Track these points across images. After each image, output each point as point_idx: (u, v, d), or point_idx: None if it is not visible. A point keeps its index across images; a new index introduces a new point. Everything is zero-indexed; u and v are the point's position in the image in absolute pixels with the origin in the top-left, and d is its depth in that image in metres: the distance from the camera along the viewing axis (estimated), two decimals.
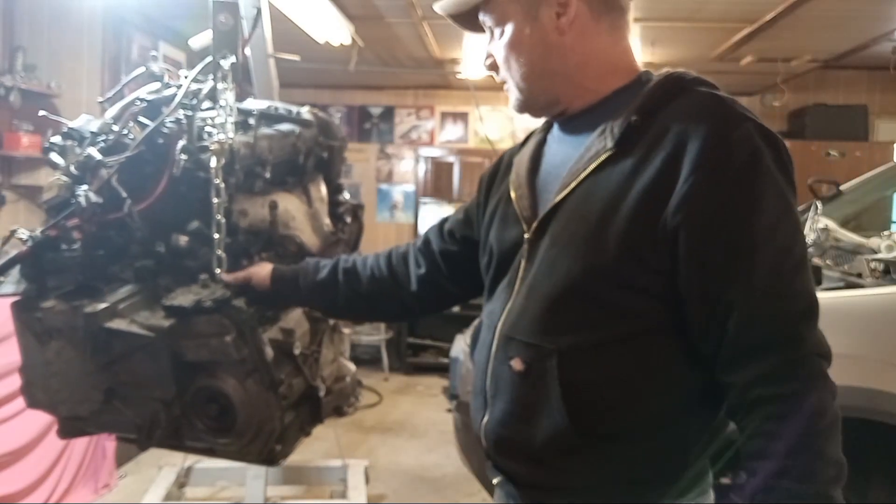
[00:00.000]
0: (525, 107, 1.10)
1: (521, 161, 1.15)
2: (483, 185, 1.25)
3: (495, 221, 1.16)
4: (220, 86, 1.08)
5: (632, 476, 1.00)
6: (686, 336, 0.96)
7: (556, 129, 1.13)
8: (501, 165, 1.22)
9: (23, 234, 1.00)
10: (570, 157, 1.04)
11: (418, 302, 1.28)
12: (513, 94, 1.10)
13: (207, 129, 1.06)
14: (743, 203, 0.91)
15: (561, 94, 1.07)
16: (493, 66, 1.11)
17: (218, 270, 1.10)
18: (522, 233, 1.07)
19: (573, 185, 1.00)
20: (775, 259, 0.91)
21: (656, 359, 0.98)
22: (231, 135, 1.05)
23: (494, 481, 1.13)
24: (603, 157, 0.98)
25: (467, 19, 1.13)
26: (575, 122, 1.08)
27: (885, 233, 2.64)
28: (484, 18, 1.09)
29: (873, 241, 2.59)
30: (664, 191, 0.92)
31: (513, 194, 1.12)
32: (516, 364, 1.02)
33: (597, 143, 1.00)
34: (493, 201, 1.18)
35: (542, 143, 1.15)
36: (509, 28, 1.05)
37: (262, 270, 1.23)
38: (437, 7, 1.15)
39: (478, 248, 1.21)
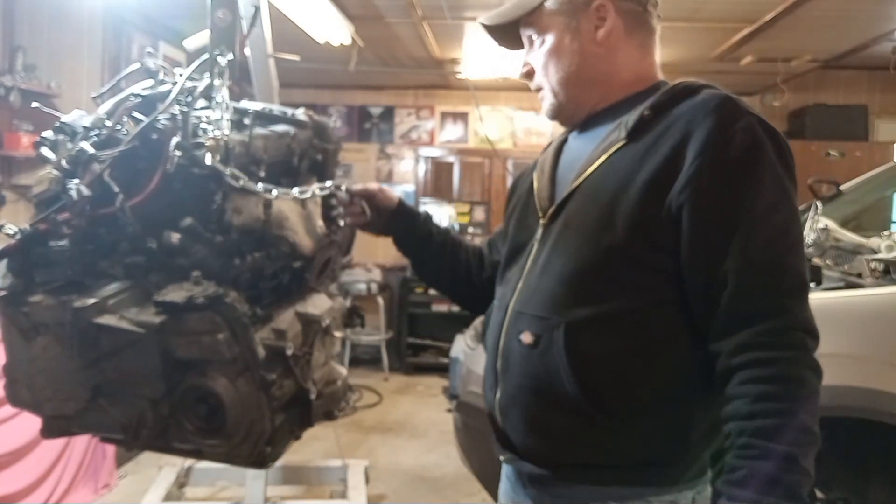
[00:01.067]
0: (557, 111, 1.20)
1: (546, 158, 1.25)
2: (511, 189, 1.36)
3: (516, 213, 1.26)
4: (216, 82, 1.07)
5: (642, 455, 1.05)
6: (689, 313, 1.03)
7: (578, 129, 1.23)
8: (529, 168, 1.31)
9: (10, 228, 0.99)
10: (587, 149, 1.14)
11: (482, 299, 1.35)
12: (547, 100, 1.20)
13: (202, 125, 1.06)
14: (743, 185, 0.99)
15: (588, 100, 1.17)
16: (530, 74, 1.21)
17: (343, 187, 1.28)
18: (538, 220, 1.16)
19: (588, 172, 1.10)
20: (770, 237, 0.98)
21: (662, 334, 1.03)
22: (227, 132, 1.05)
23: (501, 458, 1.18)
24: (616, 147, 1.08)
25: (504, 34, 1.25)
26: (594, 120, 1.18)
27: (885, 233, 2.63)
28: (525, 29, 1.20)
29: (873, 241, 2.59)
30: (671, 174, 1.00)
31: (535, 185, 1.21)
32: (525, 337, 1.08)
33: (612, 135, 1.10)
34: (516, 198, 1.29)
35: (564, 142, 1.26)
36: (550, 37, 1.16)
37: (390, 191, 1.42)
38: (481, 19, 1.25)
39: None
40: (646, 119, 1.07)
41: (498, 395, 1.14)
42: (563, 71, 1.16)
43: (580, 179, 1.11)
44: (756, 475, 0.92)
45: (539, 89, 1.21)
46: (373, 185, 1.39)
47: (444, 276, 1.44)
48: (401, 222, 1.41)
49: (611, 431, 1.04)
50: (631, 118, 1.08)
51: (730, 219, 0.98)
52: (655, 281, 1.03)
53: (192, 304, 0.95)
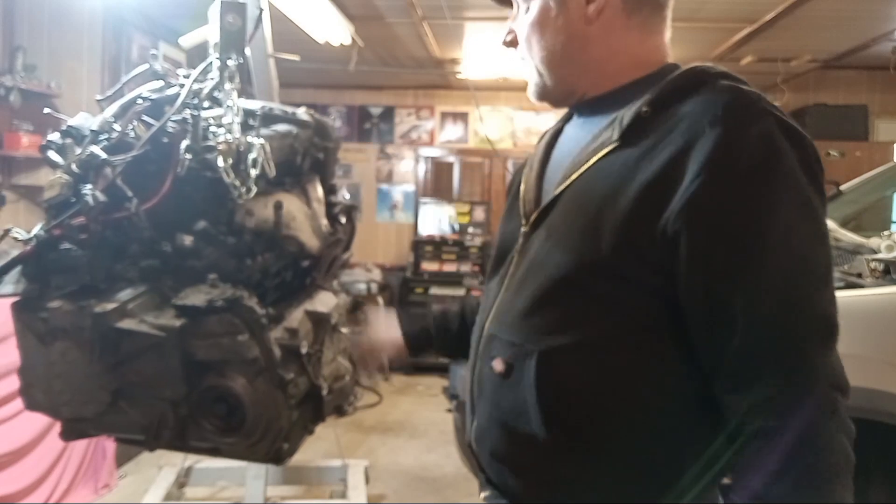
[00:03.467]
0: (542, 94, 1.04)
1: (537, 153, 1.10)
2: (509, 186, 1.21)
3: (504, 214, 1.12)
4: (227, 86, 1.08)
5: (621, 496, 0.90)
6: (684, 340, 0.86)
7: (574, 115, 1.08)
8: (523, 165, 1.16)
9: (18, 233, 1.00)
10: (580, 145, 0.98)
11: None
12: (532, 78, 1.04)
13: (212, 128, 1.06)
14: (755, 206, 0.81)
15: (577, 85, 1.01)
16: (513, 43, 1.05)
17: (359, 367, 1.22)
18: (521, 226, 1.02)
19: (574, 176, 0.94)
20: (788, 268, 0.80)
21: (648, 362, 0.87)
22: (238, 135, 1.05)
23: (482, 496, 1.04)
24: (607, 149, 0.91)
25: None
26: (590, 107, 1.02)
27: (885, 233, 2.64)
28: None
29: (873, 241, 2.60)
30: (669, 188, 0.83)
31: (522, 187, 1.06)
32: (497, 364, 0.95)
33: (604, 134, 0.94)
34: (510, 197, 1.14)
35: (558, 132, 1.10)
36: (536, 5, 0.99)
37: (385, 329, 1.31)
38: None
39: None
40: (643, 117, 0.89)
41: (475, 423, 1.02)
42: (545, 49, 0.99)
43: (565, 184, 0.95)
44: None
45: (523, 60, 1.05)
46: (370, 343, 1.30)
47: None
48: (417, 346, 1.33)
49: (587, 472, 0.91)
50: (627, 114, 0.91)
51: (739, 246, 0.81)
52: (645, 302, 0.86)
53: (213, 306, 0.97)
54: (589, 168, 0.92)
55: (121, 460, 3.71)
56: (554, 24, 0.98)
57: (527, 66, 1.04)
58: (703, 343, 0.85)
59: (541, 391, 0.89)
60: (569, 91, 1.02)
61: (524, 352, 0.91)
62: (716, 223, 0.81)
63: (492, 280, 1.07)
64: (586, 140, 0.97)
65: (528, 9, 1.01)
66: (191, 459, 3.38)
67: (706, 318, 0.83)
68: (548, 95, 1.04)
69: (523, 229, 1.00)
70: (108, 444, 3.42)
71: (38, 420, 2.75)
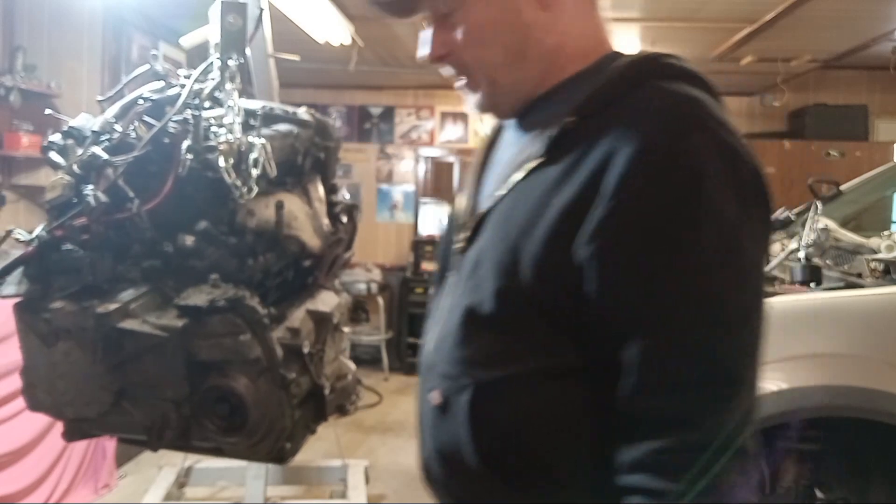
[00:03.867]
0: (492, 104, 0.90)
1: (475, 159, 0.99)
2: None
3: (446, 226, 1.03)
4: (227, 86, 1.08)
5: None
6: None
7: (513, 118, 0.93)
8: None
9: (20, 234, 1.00)
10: (510, 156, 0.88)
11: None
12: (479, 90, 0.88)
13: (213, 128, 1.07)
14: (666, 238, 0.70)
15: (530, 84, 0.86)
16: (444, 59, 0.89)
17: None
18: (455, 243, 0.92)
19: (501, 193, 0.83)
20: (694, 312, 0.70)
21: (580, 397, 0.77)
22: (239, 135, 1.06)
23: None
24: (532, 165, 0.80)
25: (402, 4, 0.92)
26: (529, 108, 0.88)
27: (885, 233, 2.64)
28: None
29: (873, 241, 2.60)
30: (583, 211, 0.72)
31: (457, 202, 0.97)
32: (434, 397, 0.86)
33: (530, 146, 0.83)
34: (452, 206, 1.03)
35: (498, 132, 0.98)
36: (474, 6, 0.83)
37: None
38: None
39: None
40: (569, 129, 0.77)
41: (422, 452, 0.93)
42: (498, 54, 0.84)
43: (491, 203, 0.84)
44: None
45: (460, 77, 0.89)
46: None
47: None
48: None
49: None
50: (554, 124, 0.79)
51: (640, 284, 0.70)
52: (573, 336, 0.76)
53: (215, 306, 0.97)
54: (516, 186, 0.82)
55: (121, 460, 3.71)
56: (504, 21, 0.83)
57: (466, 81, 0.89)
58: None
59: (474, 427, 0.81)
60: (519, 96, 0.87)
61: (458, 386, 0.82)
62: (620, 256, 0.71)
63: (436, 297, 0.98)
64: (517, 150, 0.86)
65: (461, 15, 0.85)
66: (191, 459, 3.38)
67: (608, 359, 0.74)
68: (498, 107, 0.90)
69: (455, 248, 0.91)
70: (108, 444, 3.42)
71: (39, 420, 2.75)
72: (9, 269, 0.98)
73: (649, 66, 0.79)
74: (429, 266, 6.51)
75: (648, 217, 0.70)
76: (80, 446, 3.21)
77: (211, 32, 1.19)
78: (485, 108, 0.90)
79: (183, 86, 1.10)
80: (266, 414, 1.01)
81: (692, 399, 0.70)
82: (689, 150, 0.70)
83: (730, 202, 0.70)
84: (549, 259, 0.74)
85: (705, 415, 0.70)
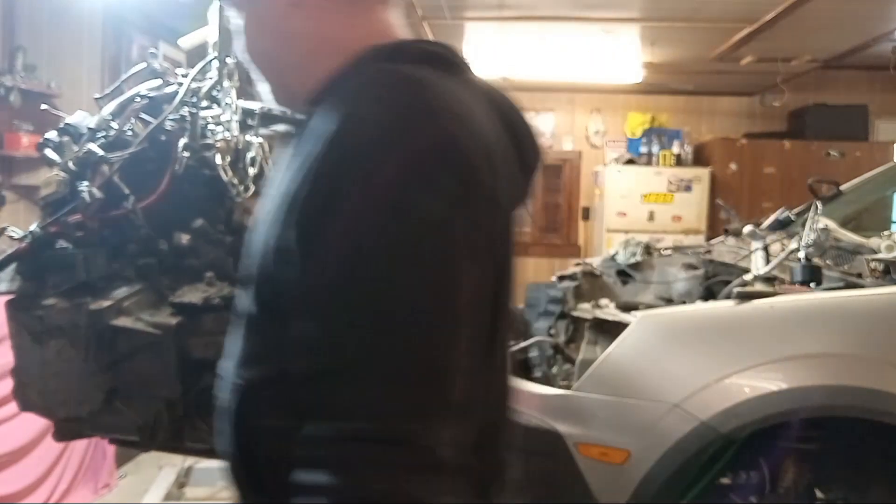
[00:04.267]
0: (283, 104, 0.88)
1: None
2: None
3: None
4: (225, 84, 1.08)
5: None
6: None
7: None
8: None
9: (14, 231, 1.00)
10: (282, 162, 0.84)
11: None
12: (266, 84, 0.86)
13: (210, 126, 1.07)
14: (339, 237, 0.64)
15: (301, 86, 0.80)
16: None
17: None
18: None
19: (269, 193, 0.79)
20: (353, 302, 0.63)
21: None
22: (236, 133, 1.06)
23: None
24: (286, 162, 0.76)
25: None
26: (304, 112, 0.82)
27: (885, 233, 2.64)
28: None
29: (873, 241, 2.60)
30: (297, 199, 0.67)
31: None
32: (224, 396, 0.82)
33: (290, 149, 0.78)
34: None
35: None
36: (235, 7, 0.82)
37: None
38: None
39: None
40: (305, 122, 0.73)
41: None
42: (264, 55, 0.82)
43: (261, 203, 0.81)
44: None
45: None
46: None
47: None
48: None
49: None
50: (302, 122, 0.76)
51: (317, 271, 0.65)
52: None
53: (209, 304, 0.97)
54: (276, 183, 0.77)
55: (121, 460, 3.70)
56: (258, 24, 0.81)
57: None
58: None
59: (237, 431, 0.77)
60: (295, 96, 0.82)
61: (232, 385, 0.79)
62: (308, 243, 0.65)
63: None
64: (287, 155, 0.82)
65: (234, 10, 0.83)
66: (191, 459, 3.38)
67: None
68: (283, 102, 0.87)
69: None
70: (108, 444, 3.42)
71: (38, 420, 2.75)
72: (1, 266, 0.98)
73: (381, 51, 0.75)
74: None
75: (333, 202, 0.64)
76: (80, 446, 3.21)
77: (210, 33, 1.19)
78: (275, 100, 0.87)
79: (181, 84, 1.10)
80: None
81: (339, 390, 0.63)
82: (380, 131, 0.64)
83: (419, 192, 0.64)
84: (280, 253, 0.69)
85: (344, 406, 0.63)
